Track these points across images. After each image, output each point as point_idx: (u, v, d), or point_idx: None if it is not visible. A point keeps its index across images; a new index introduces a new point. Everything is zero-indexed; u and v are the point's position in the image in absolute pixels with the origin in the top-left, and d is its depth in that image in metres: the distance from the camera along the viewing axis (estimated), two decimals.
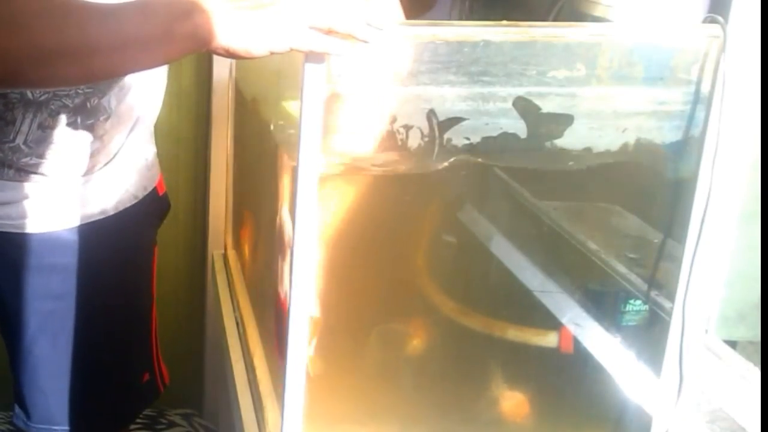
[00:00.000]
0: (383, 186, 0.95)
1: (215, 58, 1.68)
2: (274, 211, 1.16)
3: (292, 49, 0.81)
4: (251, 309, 1.41)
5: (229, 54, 0.82)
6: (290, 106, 1.12)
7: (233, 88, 1.66)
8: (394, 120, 0.87)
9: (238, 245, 1.67)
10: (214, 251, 1.75)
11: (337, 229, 0.92)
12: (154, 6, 0.82)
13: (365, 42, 0.80)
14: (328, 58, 0.81)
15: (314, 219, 0.84)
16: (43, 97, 1.03)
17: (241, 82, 1.60)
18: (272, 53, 0.81)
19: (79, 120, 1.07)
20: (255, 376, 1.18)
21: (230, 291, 1.54)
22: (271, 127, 1.31)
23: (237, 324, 1.42)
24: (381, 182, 0.94)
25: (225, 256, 1.70)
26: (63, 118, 1.06)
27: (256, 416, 1.14)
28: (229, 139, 1.71)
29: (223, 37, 0.81)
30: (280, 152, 1.16)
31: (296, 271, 0.86)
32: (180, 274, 1.94)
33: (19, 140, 1.05)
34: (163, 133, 1.24)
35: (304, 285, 0.86)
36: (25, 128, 1.05)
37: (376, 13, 0.80)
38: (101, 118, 1.08)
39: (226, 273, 1.64)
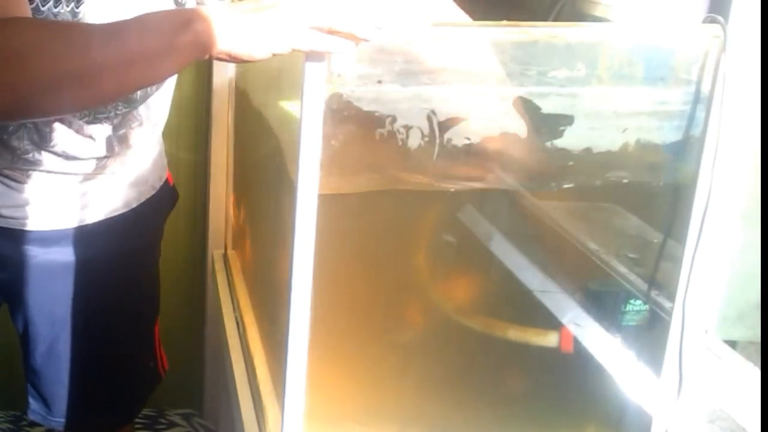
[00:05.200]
0: (383, 187, 0.95)
1: None
2: (274, 212, 1.16)
3: (293, 50, 0.81)
4: (251, 309, 1.41)
5: (231, 58, 0.82)
6: (290, 105, 1.13)
7: (233, 88, 1.67)
8: (393, 120, 0.87)
9: (238, 245, 1.67)
10: (214, 251, 1.75)
11: (338, 230, 0.92)
12: (154, 20, 0.82)
13: (366, 41, 0.80)
14: (328, 57, 0.81)
15: (314, 219, 0.84)
16: (84, 119, 1.06)
17: (241, 82, 1.60)
18: (274, 55, 0.81)
19: (112, 132, 1.10)
20: (255, 376, 1.18)
21: (230, 291, 1.55)
22: (271, 127, 1.31)
23: (237, 324, 1.42)
24: (381, 185, 0.94)
25: (225, 256, 1.70)
26: (102, 131, 1.09)
27: (256, 416, 1.14)
28: (229, 139, 1.71)
29: (224, 43, 0.81)
30: (280, 152, 1.16)
31: (296, 271, 0.86)
32: (180, 274, 1.94)
33: (58, 149, 1.08)
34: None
35: (304, 285, 0.86)
36: (65, 138, 1.07)
37: (376, 11, 0.80)
38: (134, 125, 1.12)
39: (226, 273, 1.64)
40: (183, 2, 1.02)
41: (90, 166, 1.12)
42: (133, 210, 1.20)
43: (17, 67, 0.78)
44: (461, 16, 1.01)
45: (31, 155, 1.07)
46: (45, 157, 1.08)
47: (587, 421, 1.06)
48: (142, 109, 1.11)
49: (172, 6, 1.01)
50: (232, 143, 1.71)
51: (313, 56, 0.81)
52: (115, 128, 1.09)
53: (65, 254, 1.16)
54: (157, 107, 1.15)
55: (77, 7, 0.96)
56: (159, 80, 0.87)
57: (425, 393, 1.04)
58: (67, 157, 1.09)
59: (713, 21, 0.88)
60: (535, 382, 1.07)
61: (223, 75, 1.73)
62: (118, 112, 1.08)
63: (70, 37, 0.81)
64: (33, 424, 1.93)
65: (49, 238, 1.14)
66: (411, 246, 1.02)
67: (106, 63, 0.80)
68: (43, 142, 1.06)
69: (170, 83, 1.17)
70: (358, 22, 0.79)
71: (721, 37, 0.87)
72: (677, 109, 0.91)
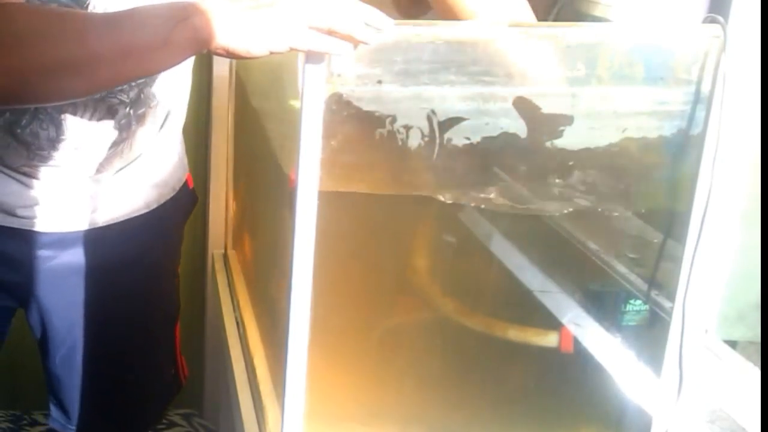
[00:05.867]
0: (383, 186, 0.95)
1: (215, 57, 1.68)
2: (274, 211, 1.16)
3: (292, 49, 0.81)
4: (251, 309, 1.41)
5: (229, 54, 0.82)
6: (290, 105, 1.12)
7: (233, 87, 1.66)
8: (393, 120, 0.87)
9: (238, 245, 1.67)
10: (214, 251, 1.75)
11: (338, 229, 0.92)
12: (153, 11, 0.82)
13: (365, 43, 0.80)
14: (328, 57, 0.81)
15: (314, 218, 0.84)
16: (97, 95, 1.03)
17: (241, 82, 1.60)
18: (272, 53, 0.81)
19: (132, 111, 1.07)
20: (255, 376, 1.18)
21: (230, 291, 1.54)
22: (271, 127, 1.31)
23: (237, 324, 1.42)
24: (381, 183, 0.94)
25: (225, 256, 1.70)
26: (120, 112, 1.06)
27: (256, 416, 1.14)
28: (229, 138, 1.71)
29: (222, 38, 0.81)
30: (279, 152, 1.16)
31: (296, 271, 0.86)
32: (180, 274, 1.94)
33: (74, 140, 1.06)
34: None
35: (304, 285, 0.86)
36: (80, 124, 1.05)
37: (376, 13, 0.80)
38: (152, 104, 1.09)
39: (226, 273, 1.64)
40: None
41: (102, 151, 1.09)
42: (152, 212, 1.18)
43: (13, 50, 0.78)
44: (530, 16, 0.99)
45: (46, 152, 1.06)
46: (60, 151, 1.06)
47: (587, 421, 1.06)
48: (158, 89, 1.09)
49: None
50: (232, 143, 1.71)
51: (312, 56, 0.81)
52: (133, 105, 1.07)
53: (81, 257, 1.14)
54: (169, 92, 1.12)
55: None
56: (156, 72, 0.86)
57: (425, 393, 1.04)
58: (82, 147, 1.06)
59: (713, 21, 0.88)
60: (535, 382, 1.07)
61: (224, 74, 1.73)
62: (134, 84, 1.05)
63: (66, 24, 0.81)
64: (33, 424, 1.93)
65: (65, 240, 1.13)
66: (411, 246, 1.02)
67: (101, 52, 0.80)
68: (59, 133, 1.04)
69: (186, 72, 1.15)
70: (357, 24, 0.79)
71: (721, 37, 0.87)
72: (677, 109, 0.91)
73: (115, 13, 0.82)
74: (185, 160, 1.27)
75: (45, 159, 1.06)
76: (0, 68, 0.79)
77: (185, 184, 1.26)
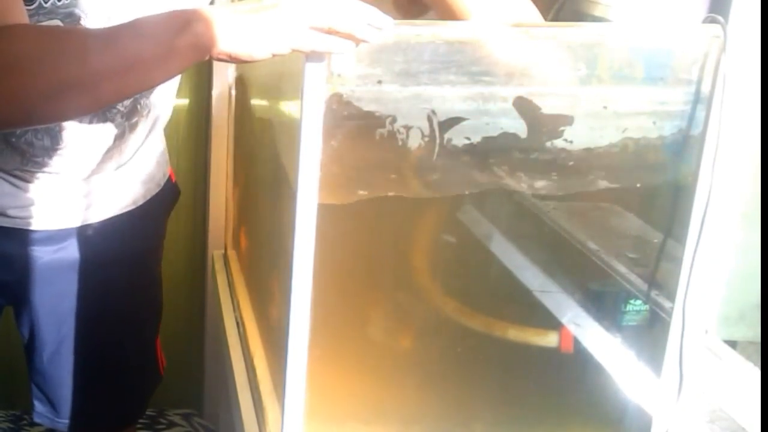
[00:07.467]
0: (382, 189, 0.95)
1: None
2: (274, 211, 1.16)
3: (294, 50, 0.81)
4: (251, 309, 1.41)
5: (231, 59, 0.82)
6: (290, 105, 1.12)
7: (233, 87, 1.66)
8: (393, 120, 0.87)
9: (238, 245, 1.67)
10: (214, 251, 1.75)
11: (338, 229, 0.92)
12: (153, 22, 0.81)
13: (366, 41, 0.80)
14: (328, 57, 0.81)
15: (314, 219, 0.84)
16: None
17: (241, 82, 1.60)
18: (274, 55, 0.81)
19: (126, 122, 1.09)
20: (255, 376, 1.18)
21: (230, 291, 1.54)
22: (271, 127, 1.31)
23: (237, 324, 1.42)
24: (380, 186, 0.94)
25: (225, 256, 1.70)
26: (115, 122, 1.08)
27: (256, 416, 1.14)
28: (229, 139, 1.71)
29: (224, 43, 0.80)
30: (279, 152, 1.16)
31: (296, 271, 0.86)
32: (180, 274, 1.94)
33: (69, 149, 1.07)
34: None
35: (304, 285, 0.86)
36: (74, 134, 1.06)
37: (376, 12, 0.80)
38: (144, 113, 1.11)
39: (226, 273, 1.64)
40: None
41: (96, 157, 1.10)
42: (139, 207, 1.20)
43: (17, 75, 0.78)
44: (537, 16, 0.99)
45: (41, 159, 1.06)
46: (55, 158, 1.07)
47: (587, 421, 1.06)
48: (153, 97, 1.10)
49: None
50: (232, 143, 1.71)
51: (313, 56, 0.81)
52: (128, 115, 1.08)
53: (71, 253, 1.16)
54: (161, 98, 1.14)
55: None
56: (158, 83, 0.86)
57: (425, 393, 1.04)
58: (76, 155, 1.08)
59: (713, 21, 0.88)
60: (535, 382, 1.07)
61: (223, 75, 1.73)
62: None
63: (68, 43, 0.80)
64: (33, 424, 1.93)
65: (55, 237, 1.14)
66: (411, 246, 1.02)
67: (105, 69, 0.80)
68: (54, 142, 1.05)
69: (176, 82, 1.16)
70: (357, 22, 0.79)
71: (721, 37, 0.87)
72: (677, 109, 0.91)
73: (114, 27, 0.81)
74: (167, 155, 1.29)
75: (39, 165, 1.07)
76: (4, 92, 0.78)
77: (168, 178, 1.28)
